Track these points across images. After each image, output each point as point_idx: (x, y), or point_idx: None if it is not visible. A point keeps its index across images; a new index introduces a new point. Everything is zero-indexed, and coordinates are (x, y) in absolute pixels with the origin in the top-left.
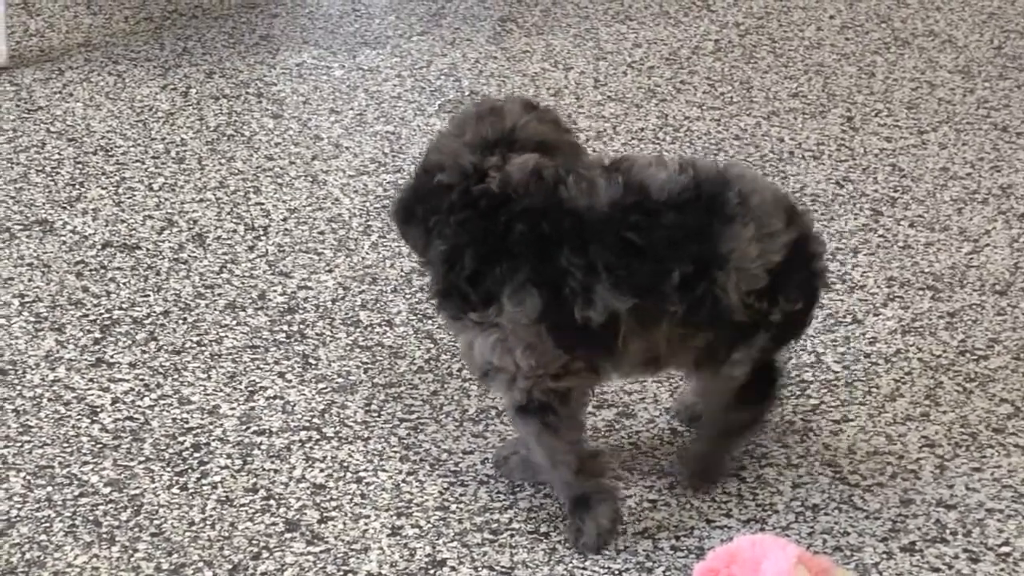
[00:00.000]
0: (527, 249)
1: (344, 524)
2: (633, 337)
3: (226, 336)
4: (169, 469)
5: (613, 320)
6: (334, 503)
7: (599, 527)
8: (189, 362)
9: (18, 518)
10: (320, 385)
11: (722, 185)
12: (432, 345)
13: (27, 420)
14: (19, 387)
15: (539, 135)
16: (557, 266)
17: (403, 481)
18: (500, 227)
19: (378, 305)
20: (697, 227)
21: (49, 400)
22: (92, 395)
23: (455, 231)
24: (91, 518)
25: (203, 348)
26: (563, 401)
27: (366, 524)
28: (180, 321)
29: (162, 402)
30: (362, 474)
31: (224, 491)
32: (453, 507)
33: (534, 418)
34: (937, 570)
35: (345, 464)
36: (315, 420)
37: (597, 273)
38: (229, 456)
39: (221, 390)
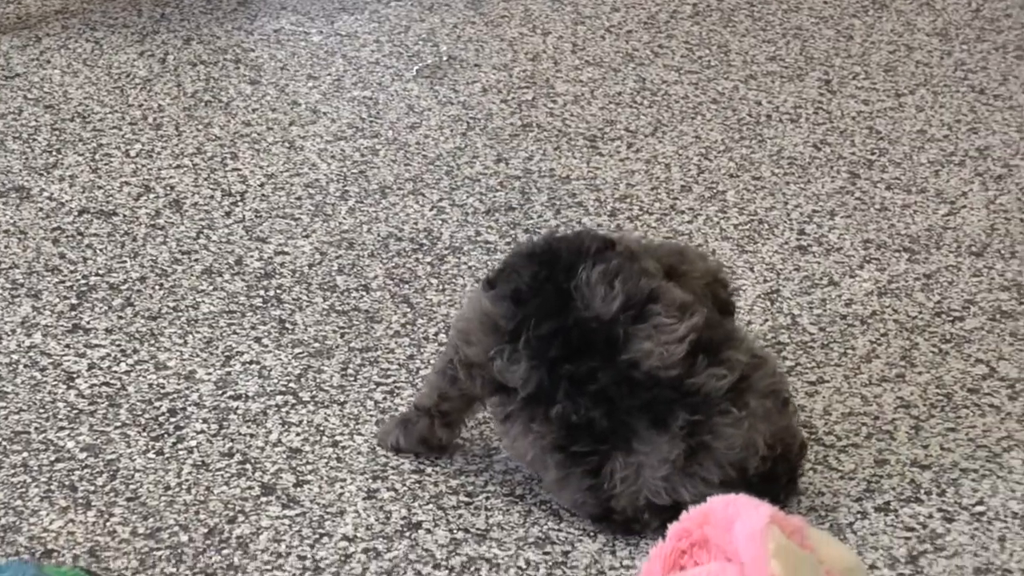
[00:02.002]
0: (531, 289)
1: (320, 488)
2: None
3: (203, 301)
4: (145, 434)
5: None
6: (310, 467)
7: (392, 437)
8: (166, 327)
9: None
10: (296, 350)
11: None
12: (408, 309)
13: (3, 386)
14: None
15: None
16: (527, 321)
17: (379, 445)
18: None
19: (355, 270)
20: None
21: (25, 366)
22: (68, 361)
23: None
24: (67, 483)
25: (179, 314)
26: (462, 369)
27: (342, 487)
28: (157, 287)
29: (138, 367)
30: (338, 438)
31: (200, 456)
32: (428, 470)
33: (445, 357)
34: (911, 529)
35: (321, 428)
36: (291, 384)
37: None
38: (205, 421)
39: (197, 355)
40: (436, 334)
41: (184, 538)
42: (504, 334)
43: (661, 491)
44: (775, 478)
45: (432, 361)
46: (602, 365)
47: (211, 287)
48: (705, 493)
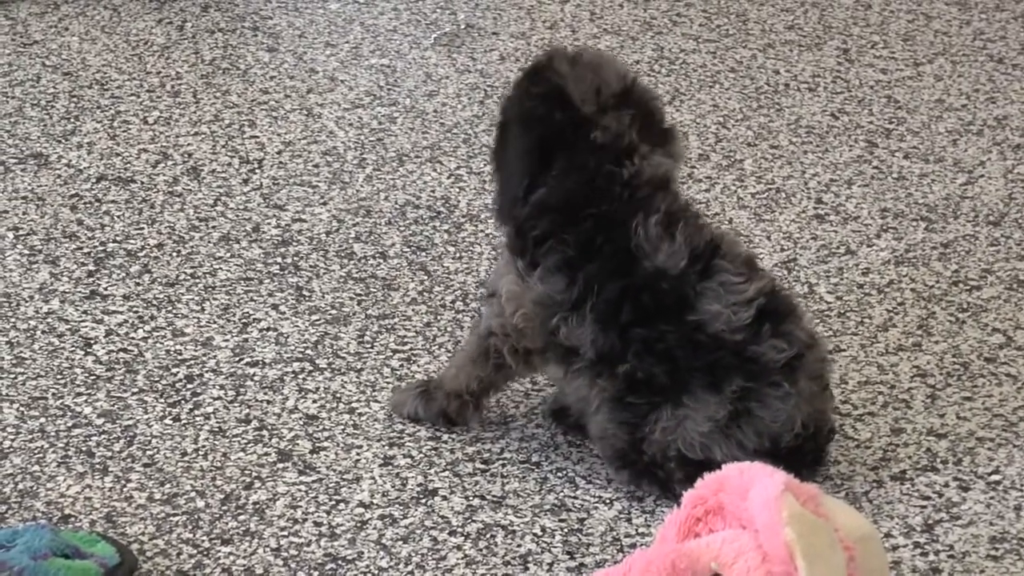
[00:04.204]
0: (586, 253)
1: (336, 454)
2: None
3: (220, 268)
4: (162, 400)
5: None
6: (326, 433)
7: (409, 407)
8: (183, 294)
9: (11, 449)
10: (313, 317)
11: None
12: (426, 277)
13: (21, 352)
14: (13, 319)
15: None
16: (589, 287)
17: (393, 411)
18: (590, 224)
19: (372, 237)
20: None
21: (43, 332)
22: (86, 327)
23: (569, 191)
24: (84, 449)
25: (197, 280)
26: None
27: (358, 454)
28: (174, 254)
29: (156, 334)
30: (354, 405)
31: (217, 422)
32: (445, 437)
33: (484, 343)
34: (927, 498)
35: (338, 395)
36: (308, 351)
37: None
38: (222, 387)
39: (215, 322)
40: (453, 302)
41: (200, 504)
42: (564, 304)
43: (696, 446)
44: (802, 455)
45: (455, 334)
46: (670, 326)
47: (228, 254)
48: (736, 456)
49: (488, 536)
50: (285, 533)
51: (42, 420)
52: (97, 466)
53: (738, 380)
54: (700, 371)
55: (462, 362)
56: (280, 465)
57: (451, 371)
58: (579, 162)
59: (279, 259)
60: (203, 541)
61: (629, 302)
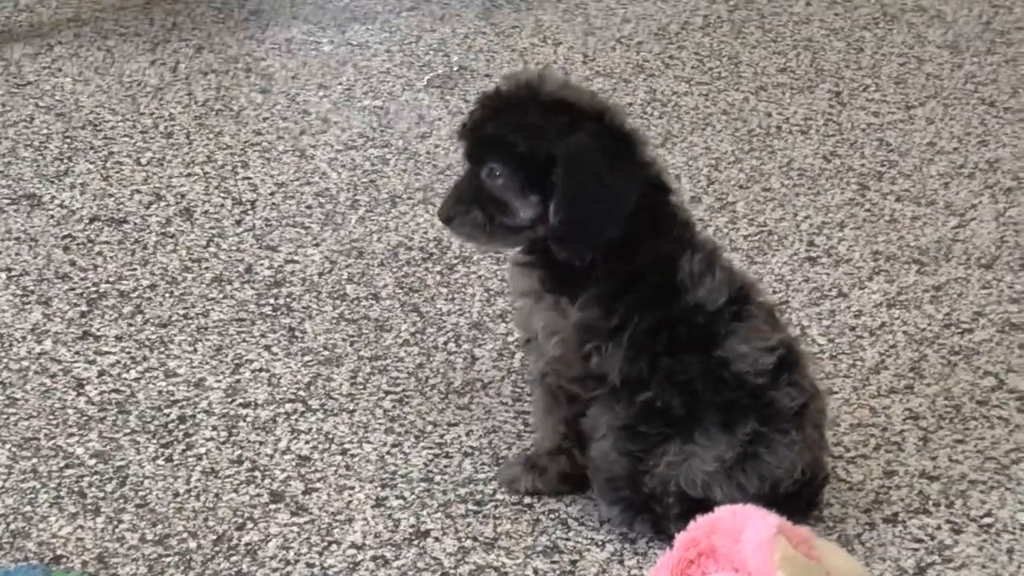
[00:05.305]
0: (631, 284)
1: (328, 495)
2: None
3: (212, 309)
4: (154, 441)
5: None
6: (319, 474)
7: (524, 481)
8: (175, 335)
9: (3, 489)
10: (306, 358)
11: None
12: (418, 318)
13: (13, 392)
14: (5, 360)
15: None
16: (629, 316)
17: (388, 453)
18: (645, 258)
19: (364, 279)
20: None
21: (35, 372)
22: (78, 368)
23: (636, 229)
24: (76, 489)
25: (189, 321)
26: (569, 397)
27: (350, 495)
28: (167, 294)
29: (148, 375)
30: (347, 446)
31: (209, 463)
32: (437, 478)
33: (544, 386)
34: (919, 541)
35: (330, 436)
36: (300, 392)
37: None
38: (214, 428)
39: (207, 363)
40: (445, 343)
41: (193, 545)
42: (601, 333)
43: (698, 484)
44: (799, 501)
45: (448, 376)
46: (696, 357)
47: (221, 295)
48: (736, 498)
49: None
50: (277, 574)
51: (34, 460)
52: (89, 507)
53: (752, 423)
54: (717, 408)
55: (541, 418)
56: (272, 506)
57: (538, 435)
58: (647, 202)
59: (272, 300)
60: None
61: (665, 333)
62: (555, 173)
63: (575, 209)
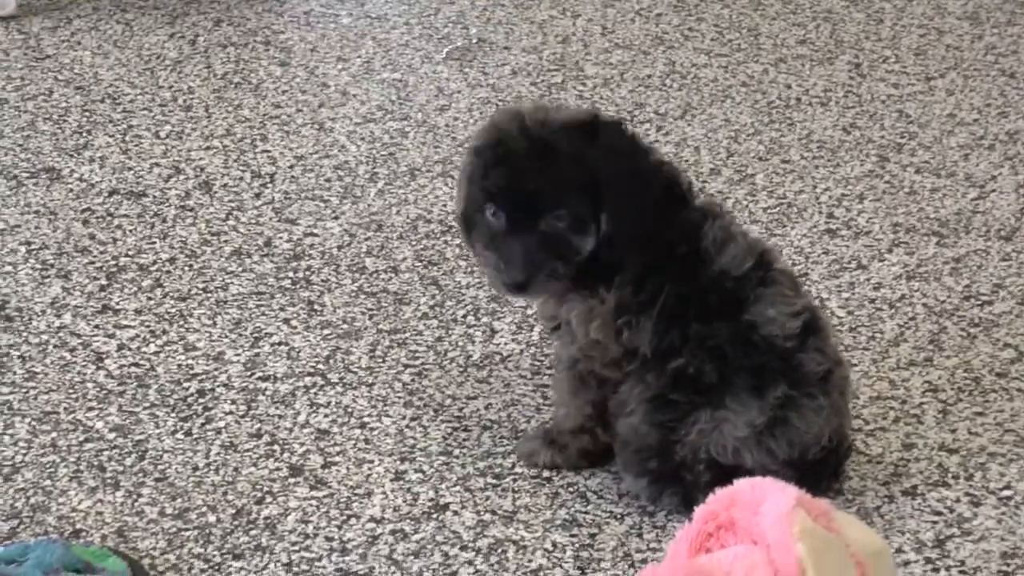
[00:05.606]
0: (658, 261)
1: (348, 469)
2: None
3: (232, 283)
4: (174, 415)
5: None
6: (338, 448)
7: (544, 456)
8: (195, 308)
9: (23, 463)
10: (325, 331)
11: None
12: (437, 291)
13: (33, 366)
14: (25, 333)
15: None
16: (659, 290)
17: (407, 426)
18: (670, 235)
19: (383, 252)
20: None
21: (55, 346)
22: (98, 341)
23: (660, 222)
24: (96, 463)
25: (209, 295)
26: (599, 381)
27: (369, 469)
28: (186, 268)
29: (167, 348)
30: (366, 419)
31: (228, 436)
32: (456, 452)
33: (574, 372)
34: (939, 513)
35: (349, 409)
36: (320, 366)
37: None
38: (234, 402)
39: (226, 336)
40: (464, 316)
41: (212, 519)
42: (632, 308)
43: (729, 450)
44: (825, 468)
45: (466, 349)
46: (725, 322)
47: (240, 268)
48: (766, 465)
49: (499, 551)
50: (296, 548)
51: (54, 435)
52: (109, 481)
53: (783, 387)
54: (747, 372)
55: (565, 399)
56: (292, 480)
57: (560, 412)
58: (669, 195)
59: (291, 273)
60: (214, 556)
61: (695, 301)
62: (600, 189)
63: (627, 210)
